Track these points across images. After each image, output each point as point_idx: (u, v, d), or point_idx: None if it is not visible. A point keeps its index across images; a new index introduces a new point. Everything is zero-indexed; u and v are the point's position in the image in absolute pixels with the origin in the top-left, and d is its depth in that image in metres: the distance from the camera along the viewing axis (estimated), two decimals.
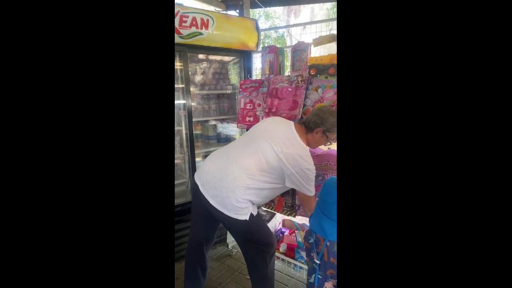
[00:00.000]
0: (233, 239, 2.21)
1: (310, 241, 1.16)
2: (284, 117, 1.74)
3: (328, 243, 1.06)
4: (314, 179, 1.36)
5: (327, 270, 1.09)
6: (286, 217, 2.16)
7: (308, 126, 1.38)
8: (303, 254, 1.81)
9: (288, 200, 1.93)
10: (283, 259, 1.92)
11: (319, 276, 1.12)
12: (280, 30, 6.82)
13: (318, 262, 1.11)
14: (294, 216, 1.92)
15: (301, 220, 2.05)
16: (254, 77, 2.22)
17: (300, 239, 1.88)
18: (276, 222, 2.15)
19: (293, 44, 1.95)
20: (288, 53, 1.98)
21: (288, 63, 2.02)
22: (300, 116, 1.70)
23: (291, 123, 1.41)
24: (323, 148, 1.93)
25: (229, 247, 2.21)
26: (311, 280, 1.16)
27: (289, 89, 1.75)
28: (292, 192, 1.89)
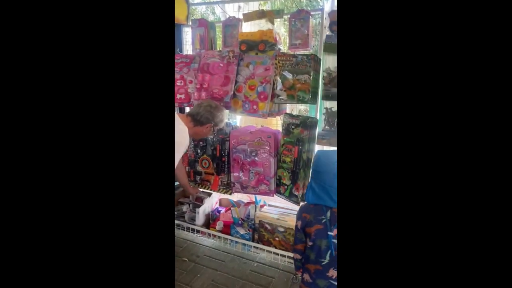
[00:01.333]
0: None
1: (323, 221, 1.14)
2: (216, 93, 1.70)
3: None
4: None
5: None
6: (222, 195, 2.17)
7: (199, 121, 1.52)
8: (239, 229, 1.86)
9: (223, 178, 1.93)
10: (219, 237, 1.93)
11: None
12: (216, 11, 6.57)
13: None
14: (230, 194, 1.94)
15: (237, 197, 2.09)
16: (184, 52, 2.10)
17: (235, 215, 1.91)
18: (212, 201, 2.14)
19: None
20: (221, 29, 1.93)
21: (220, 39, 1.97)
22: (232, 92, 1.68)
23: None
24: (256, 126, 1.98)
25: None
26: (325, 261, 1.12)
27: (221, 65, 1.71)
28: (227, 171, 1.89)
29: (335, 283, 1.12)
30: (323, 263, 1.13)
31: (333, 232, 1.12)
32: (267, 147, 1.73)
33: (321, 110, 1.70)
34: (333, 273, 1.12)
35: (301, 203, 1.72)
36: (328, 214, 1.14)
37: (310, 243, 1.16)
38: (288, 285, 1.66)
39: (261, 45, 1.59)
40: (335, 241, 1.11)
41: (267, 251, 1.79)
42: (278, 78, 1.57)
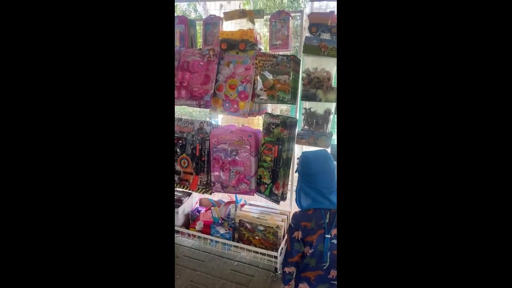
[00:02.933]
0: None
1: (323, 225, 1.10)
2: (196, 91, 1.68)
3: None
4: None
5: None
6: (202, 195, 2.14)
7: None
8: (219, 228, 1.85)
9: (203, 178, 1.91)
10: (199, 237, 1.92)
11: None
12: (199, 9, 6.47)
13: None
14: (210, 194, 1.92)
15: (217, 196, 2.08)
16: None
17: (216, 214, 1.90)
18: (192, 201, 2.11)
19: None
20: (201, 27, 1.90)
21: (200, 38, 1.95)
22: (213, 91, 1.67)
23: None
24: (236, 125, 1.97)
25: None
26: (326, 264, 1.11)
27: (201, 63, 1.69)
28: (207, 170, 1.88)
29: (335, 282, 1.11)
30: (324, 267, 1.11)
31: (332, 233, 1.10)
32: (247, 146, 1.73)
33: (300, 110, 1.73)
34: (333, 273, 1.12)
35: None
36: (327, 216, 1.10)
37: (311, 251, 1.12)
38: (267, 283, 1.68)
39: (241, 44, 1.59)
40: (335, 241, 1.10)
41: (247, 249, 1.80)
42: (258, 77, 1.58)
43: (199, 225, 1.92)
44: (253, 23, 1.61)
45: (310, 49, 1.53)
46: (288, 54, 1.58)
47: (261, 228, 1.77)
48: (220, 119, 2.55)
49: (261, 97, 1.59)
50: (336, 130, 1.66)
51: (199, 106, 1.73)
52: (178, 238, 2.06)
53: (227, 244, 1.85)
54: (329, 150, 1.66)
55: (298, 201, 1.17)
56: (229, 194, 2.02)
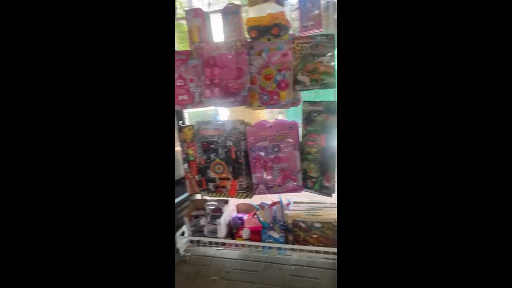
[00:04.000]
0: (184, 242, 1.89)
1: None
2: (231, 87, 1.52)
3: None
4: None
5: None
6: (239, 201, 1.99)
7: None
8: (271, 233, 1.70)
9: (242, 181, 1.76)
10: (249, 245, 1.76)
11: None
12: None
13: None
14: (251, 197, 1.77)
15: (258, 199, 1.93)
16: (175, 48, 1.87)
17: (263, 219, 1.76)
18: (230, 209, 1.95)
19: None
20: (211, 19, 1.74)
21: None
22: (247, 85, 1.52)
23: None
24: (269, 120, 1.83)
25: (180, 252, 1.89)
26: None
27: (229, 56, 1.54)
28: (246, 172, 1.73)
29: None
30: None
31: None
32: (290, 140, 1.60)
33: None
34: None
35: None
36: None
37: None
38: (335, 282, 1.55)
39: (274, 29, 1.45)
40: None
41: (308, 251, 1.66)
42: (298, 63, 1.44)
43: (245, 232, 1.77)
44: (282, 4, 1.48)
45: None
46: (327, 33, 1.45)
47: (318, 225, 1.64)
48: (225, 117, 2.36)
49: (304, 83, 1.46)
50: None
51: (234, 105, 1.57)
52: (220, 251, 1.90)
53: (282, 248, 1.71)
54: None
55: None
56: (268, 195, 1.89)
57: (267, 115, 2.14)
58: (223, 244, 1.82)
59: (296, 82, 1.48)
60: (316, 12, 1.51)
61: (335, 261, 1.65)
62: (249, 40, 1.53)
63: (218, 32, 1.70)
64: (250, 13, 1.55)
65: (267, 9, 1.48)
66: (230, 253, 1.87)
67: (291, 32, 1.55)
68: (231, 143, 1.72)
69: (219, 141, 1.74)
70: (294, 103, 1.55)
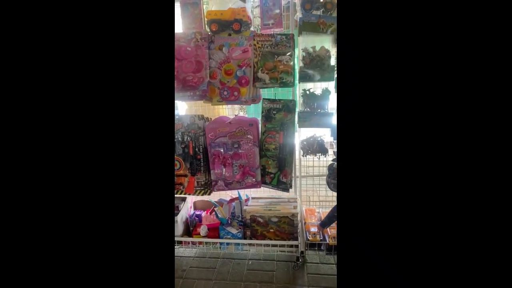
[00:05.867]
0: None
1: None
2: (190, 80, 1.47)
3: None
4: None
5: None
6: (197, 198, 1.95)
7: None
8: (229, 229, 1.70)
9: (200, 178, 1.72)
10: (207, 242, 1.74)
11: None
12: None
13: None
14: (209, 194, 1.75)
15: (216, 196, 1.91)
16: None
17: (221, 215, 1.75)
18: (187, 206, 1.90)
19: None
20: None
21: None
22: (207, 79, 1.49)
23: None
24: (229, 116, 1.82)
25: None
26: None
27: (188, 48, 1.48)
28: (205, 169, 1.70)
29: None
30: None
31: None
32: (250, 136, 1.61)
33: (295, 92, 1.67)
34: None
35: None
36: None
37: None
38: (290, 274, 1.62)
39: (235, 24, 1.44)
40: None
41: (265, 245, 1.70)
42: (258, 60, 1.45)
43: (203, 230, 1.74)
44: (244, 1, 1.47)
45: (309, 26, 1.47)
46: (287, 33, 1.49)
47: (275, 219, 1.69)
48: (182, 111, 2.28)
49: (264, 80, 1.48)
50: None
51: (192, 99, 1.53)
52: (176, 250, 1.84)
53: (240, 244, 1.72)
54: (329, 130, 1.66)
55: None
56: (227, 191, 1.88)
57: (227, 111, 2.13)
58: (180, 242, 1.77)
59: (257, 79, 1.49)
60: (277, 11, 1.54)
61: (291, 254, 1.72)
62: (210, 33, 1.50)
63: (176, 22, 1.63)
64: (210, 6, 1.52)
65: (229, 3, 1.46)
66: (187, 251, 1.83)
67: (252, 29, 1.55)
68: (189, 139, 1.67)
69: (176, 136, 1.68)
70: (255, 100, 1.56)
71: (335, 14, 1.50)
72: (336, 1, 1.51)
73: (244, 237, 1.73)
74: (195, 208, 1.99)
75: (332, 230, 1.78)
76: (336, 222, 1.62)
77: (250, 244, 1.74)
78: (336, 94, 1.65)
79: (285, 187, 1.67)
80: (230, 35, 1.48)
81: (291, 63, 1.47)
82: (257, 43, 1.45)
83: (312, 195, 2.09)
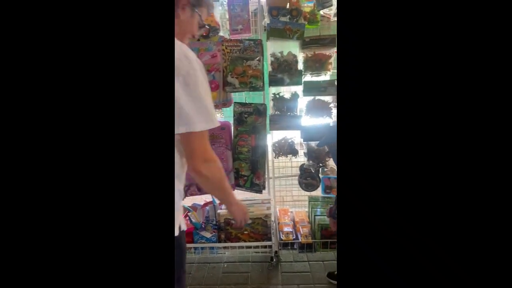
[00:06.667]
0: None
1: None
2: None
3: None
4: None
5: None
6: None
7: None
8: (203, 233, 1.70)
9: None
10: None
11: None
12: None
13: None
14: (183, 199, 1.74)
15: (190, 201, 1.90)
16: None
17: (195, 220, 1.74)
18: None
19: None
20: None
21: None
22: None
23: None
24: None
25: None
26: None
27: None
28: None
29: None
30: None
31: None
32: (222, 140, 1.63)
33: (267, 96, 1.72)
34: None
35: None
36: None
37: None
38: (265, 274, 1.65)
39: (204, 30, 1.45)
40: None
41: (239, 247, 1.72)
42: (227, 65, 1.48)
43: None
44: (212, 6, 1.48)
45: (276, 32, 1.52)
46: (255, 38, 1.53)
47: (249, 221, 1.70)
48: None
49: (234, 85, 1.50)
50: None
51: None
52: None
53: (215, 248, 1.73)
54: (299, 132, 1.72)
55: None
56: (201, 196, 1.87)
57: None
58: None
59: (226, 83, 1.51)
60: (246, 17, 1.57)
61: (265, 254, 1.75)
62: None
63: None
64: None
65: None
66: None
67: (221, 34, 1.57)
68: None
69: None
70: (225, 103, 1.58)
71: (300, 21, 1.57)
72: (301, 9, 1.57)
73: (219, 241, 1.73)
74: None
75: (304, 229, 1.84)
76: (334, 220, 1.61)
77: (224, 247, 1.75)
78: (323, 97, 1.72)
79: (259, 188, 1.70)
80: (199, 40, 1.49)
81: (260, 67, 1.51)
82: (226, 48, 1.47)
83: (285, 195, 2.14)
